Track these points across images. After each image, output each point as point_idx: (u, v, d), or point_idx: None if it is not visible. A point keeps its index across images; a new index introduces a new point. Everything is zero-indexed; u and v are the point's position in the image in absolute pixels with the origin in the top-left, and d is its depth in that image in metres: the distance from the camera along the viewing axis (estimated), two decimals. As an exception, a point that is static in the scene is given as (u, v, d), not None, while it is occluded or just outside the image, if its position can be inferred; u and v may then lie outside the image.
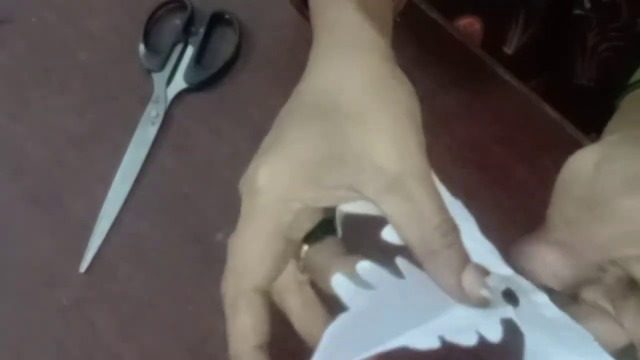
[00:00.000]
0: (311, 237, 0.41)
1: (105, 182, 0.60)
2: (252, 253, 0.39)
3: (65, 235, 0.59)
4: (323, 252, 0.41)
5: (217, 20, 0.67)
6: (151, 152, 0.62)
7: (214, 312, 0.56)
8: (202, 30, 0.66)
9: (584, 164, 0.38)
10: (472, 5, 0.73)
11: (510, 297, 0.38)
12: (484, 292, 0.37)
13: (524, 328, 0.37)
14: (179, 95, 0.64)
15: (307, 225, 0.41)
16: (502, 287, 0.38)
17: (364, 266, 0.39)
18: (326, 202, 0.39)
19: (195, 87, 0.64)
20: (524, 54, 0.75)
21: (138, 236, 0.59)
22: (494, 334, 0.36)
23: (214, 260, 0.57)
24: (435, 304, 0.37)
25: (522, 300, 0.38)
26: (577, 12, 0.73)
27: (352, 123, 0.38)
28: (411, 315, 0.37)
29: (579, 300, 0.40)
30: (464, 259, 0.37)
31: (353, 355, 0.35)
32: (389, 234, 0.38)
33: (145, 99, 0.63)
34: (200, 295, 0.57)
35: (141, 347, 0.56)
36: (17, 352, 0.56)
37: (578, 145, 0.59)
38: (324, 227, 0.41)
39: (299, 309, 0.42)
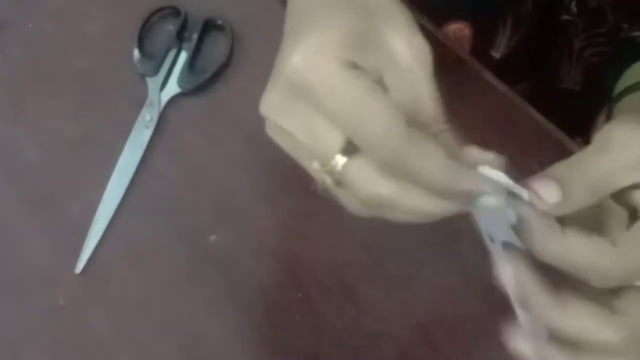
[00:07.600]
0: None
1: (100, 185, 0.61)
2: None
3: (61, 236, 0.60)
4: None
5: (210, 26, 0.68)
6: (145, 156, 0.62)
7: (208, 311, 0.58)
8: (195, 36, 0.67)
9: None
10: (461, 11, 0.74)
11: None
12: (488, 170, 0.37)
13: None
14: (173, 100, 0.65)
15: None
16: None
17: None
18: None
19: (189, 92, 0.65)
20: (512, 58, 0.76)
21: (133, 238, 0.60)
22: None
23: (207, 262, 0.59)
24: None
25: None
26: (564, 17, 0.74)
27: (378, 15, 0.39)
28: None
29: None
30: (460, 143, 0.38)
31: None
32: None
33: (139, 103, 0.64)
34: (194, 296, 0.58)
35: (136, 346, 0.57)
36: (13, 353, 0.57)
37: (564, 149, 0.61)
38: None
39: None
